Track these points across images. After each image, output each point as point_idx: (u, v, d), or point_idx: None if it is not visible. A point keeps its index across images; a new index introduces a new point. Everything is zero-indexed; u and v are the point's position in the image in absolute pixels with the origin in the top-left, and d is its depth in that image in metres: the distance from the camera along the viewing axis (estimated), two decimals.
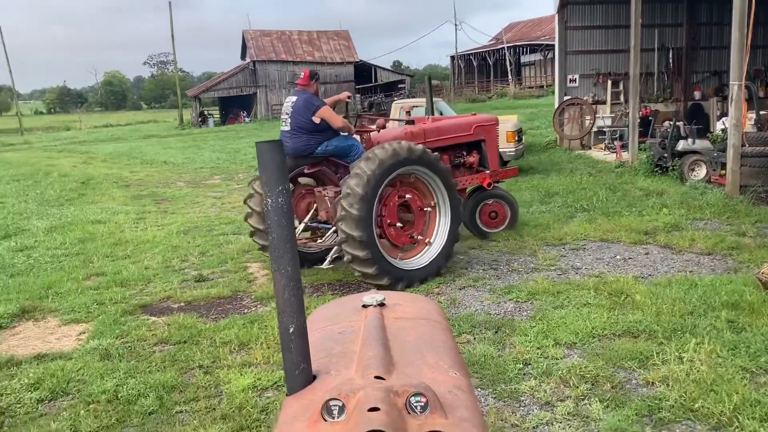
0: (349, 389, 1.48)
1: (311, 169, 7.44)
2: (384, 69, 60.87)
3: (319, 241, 7.47)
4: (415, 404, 1.44)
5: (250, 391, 4.59)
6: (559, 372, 4.52)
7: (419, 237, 6.92)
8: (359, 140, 7.48)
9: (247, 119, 51.09)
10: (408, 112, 8.36)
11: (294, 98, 7.13)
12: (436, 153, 7.07)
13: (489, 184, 8.32)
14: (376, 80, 57.59)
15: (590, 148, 16.51)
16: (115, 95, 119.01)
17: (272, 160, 1.62)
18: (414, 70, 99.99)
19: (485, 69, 58.58)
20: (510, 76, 51.82)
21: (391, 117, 14.25)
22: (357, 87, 54.45)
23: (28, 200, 14.92)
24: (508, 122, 14.31)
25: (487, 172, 8.37)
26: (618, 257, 7.26)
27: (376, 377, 1.54)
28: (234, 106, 53.55)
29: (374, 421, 1.28)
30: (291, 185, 7.32)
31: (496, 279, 6.76)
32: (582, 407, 4.07)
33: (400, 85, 56.28)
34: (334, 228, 6.86)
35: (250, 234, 7.72)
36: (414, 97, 39.55)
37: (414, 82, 62.38)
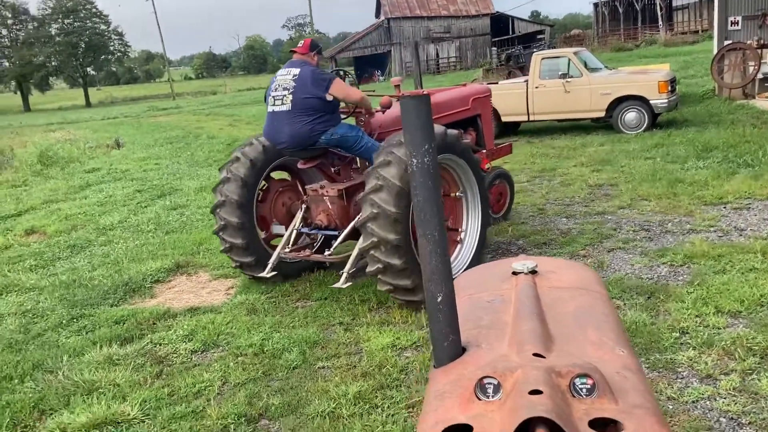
0: (506, 367, 1.34)
1: (308, 164, 5.84)
2: (521, 20, 58.83)
3: (326, 252, 5.74)
4: (580, 386, 1.28)
5: (389, 350, 4.59)
6: (722, 343, 4.13)
7: (452, 227, 5.70)
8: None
9: (381, 78, 51.39)
10: (397, 86, 6.54)
11: (295, 70, 5.46)
12: (467, 141, 6.16)
13: (488, 166, 7.19)
14: (513, 32, 55.75)
15: (754, 98, 15.01)
16: (257, 59, 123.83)
17: (417, 117, 1.49)
18: (554, 19, 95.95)
19: (632, 15, 54.92)
20: (660, 22, 48.25)
21: (530, 69, 13.68)
22: (493, 40, 53.07)
23: (180, 161, 15.88)
24: (659, 71, 13.31)
25: (484, 151, 7.28)
26: None
27: (535, 354, 1.39)
28: (369, 65, 53.99)
29: (537, 407, 1.13)
30: (264, 182, 6.10)
31: (648, 241, 6.31)
32: (750, 382, 3.70)
33: (539, 36, 54.13)
34: (342, 234, 5.63)
35: (225, 250, 6.03)
36: (554, 48, 37.91)
37: (554, 32, 59.78)
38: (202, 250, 7.58)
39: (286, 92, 5.40)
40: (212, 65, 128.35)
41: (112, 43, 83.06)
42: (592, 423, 1.20)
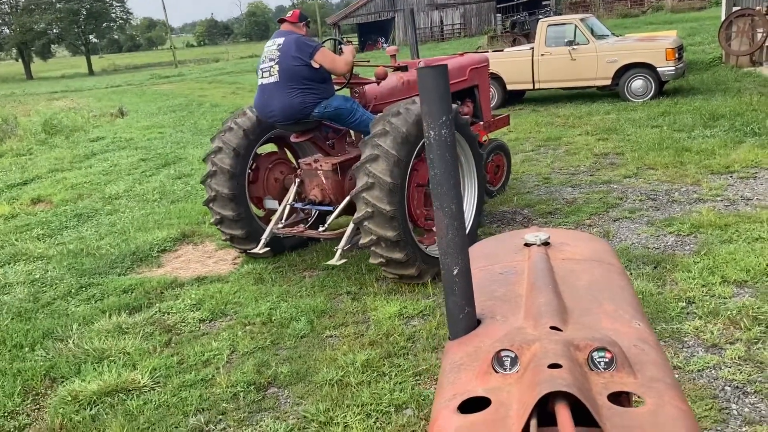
0: (523, 340, 1.35)
1: (301, 138, 5.63)
2: None
3: (321, 228, 5.59)
4: (598, 360, 1.28)
5: (396, 319, 4.62)
6: (728, 312, 4.15)
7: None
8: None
9: (385, 45, 50.82)
10: (393, 56, 6.33)
11: (280, 39, 5.32)
12: (466, 117, 6.04)
13: (485, 138, 7.13)
14: None
15: (762, 65, 14.85)
16: (259, 26, 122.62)
17: (435, 88, 1.47)
18: None
19: None
20: None
21: (536, 37, 13.52)
22: (498, 6, 52.34)
23: (184, 130, 15.83)
24: (667, 38, 13.15)
25: (482, 123, 7.17)
26: None
27: (552, 327, 1.39)
28: (372, 32, 53.39)
29: (557, 380, 1.14)
30: (252, 162, 5.96)
31: (654, 210, 6.30)
32: (755, 351, 3.72)
33: (544, 2, 53.22)
34: (337, 209, 5.48)
35: (216, 222, 5.95)
36: (560, 14, 37.42)
37: None
38: (208, 220, 7.57)
39: (272, 63, 5.25)
40: (214, 32, 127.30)
41: (113, 11, 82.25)
42: (611, 397, 1.21)
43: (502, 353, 1.33)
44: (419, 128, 4.78)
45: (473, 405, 1.26)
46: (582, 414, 1.13)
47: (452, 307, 1.56)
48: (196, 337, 4.74)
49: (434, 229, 5.69)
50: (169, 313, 5.19)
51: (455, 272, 1.54)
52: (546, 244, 1.94)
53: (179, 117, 18.61)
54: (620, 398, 1.28)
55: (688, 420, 1.14)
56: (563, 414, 1.07)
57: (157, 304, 5.37)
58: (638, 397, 1.23)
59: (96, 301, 5.56)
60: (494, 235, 2.32)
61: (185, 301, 5.35)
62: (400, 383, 3.82)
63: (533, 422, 1.10)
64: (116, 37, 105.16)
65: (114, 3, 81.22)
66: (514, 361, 1.32)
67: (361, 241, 5.02)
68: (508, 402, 1.21)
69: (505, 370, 1.32)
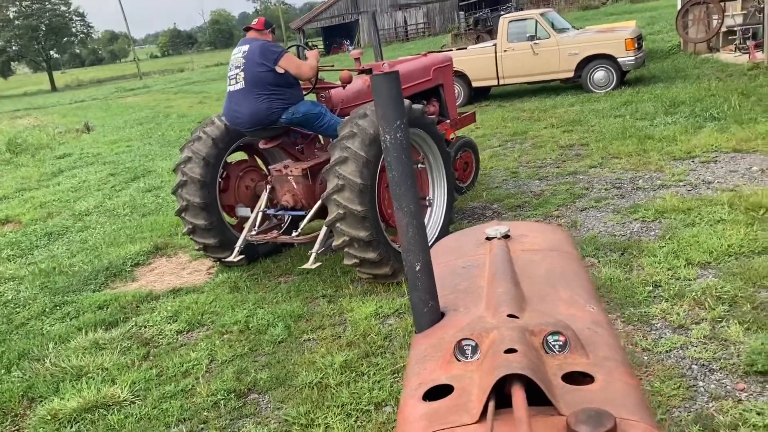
0: (482, 328, 1.42)
1: (269, 144, 5.73)
2: None
3: (294, 233, 5.60)
4: (553, 343, 1.37)
5: (372, 319, 4.69)
6: (693, 294, 4.28)
7: (420, 196, 5.42)
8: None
9: (350, 47, 50.88)
10: (357, 60, 6.24)
11: (245, 47, 5.36)
12: (432, 116, 6.15)
13: (452, 136, 7.21)
14: None
15: (719, 51, 15.18)
16: (223, 33, 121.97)
17: (389, 93, 1.54)
18: None
19: None
20: None
21: (498, 33, 13.68)
22: (460, 4, 52.69)
23: (152, 142, 15.73)
24: (626, 29, 13.38)
25: (448, 121, 7.25)
26: (755, 168, 6.70)
27: (509, 315, 1.47)
28: (337, 35, 53.45)
29: (512, 364, 1.21)
30: (222, 170, 5.94)
31: (619, 198, 6.44)
32: (719, 330, 3.85)
33: None
34: (309, 213, 5.49)
35: (188, 232, 5.93)
36: (522, 9, 37.78)
37: None
38: (180, 231, 7.56)
39: (238, 70, 5.31)
40: (178, 42, 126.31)
41: (74, 25, 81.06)
42: (566, 377, 1.29)
43: (463, 342, 1.41)
44: None
45: (438, 393, 1.33)
46: (540, 394, 1.20)
47: (416, 301, 1.64)
48: (174, 349, 4.76)
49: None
50: (145, 327, 5.19)
51: (417, 268, 1.61)
52: (506, 236, 2.03)
53: (146, 129, 18.48)
54: (580, 379, 1.35)
55: (635, 393, 1.23)
56: (517, 395, 1.15)
57: (133, 318, 5.37)
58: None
59: (71, 319, 5.55)
60: (457, 231, 2.39)
61: (161, 314, 5.36)
62: (378, 381, 3.89)
63: (491, 405, 1.17)
64: (78, 51, 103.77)
65: (74, 17, 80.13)
66: (475, 349, 1.39)
67: (334, 243, 5.05)
68: (469, 388, 1.29)
69: (466, 358, 1.39)
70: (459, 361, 1.39)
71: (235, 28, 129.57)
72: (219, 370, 4.34)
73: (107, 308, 5.63)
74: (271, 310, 5.10)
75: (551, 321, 1.41)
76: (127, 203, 9.50)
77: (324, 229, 5.27)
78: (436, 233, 5.67)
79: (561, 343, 1.36)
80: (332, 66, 6.56)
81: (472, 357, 1.39)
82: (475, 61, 13.75)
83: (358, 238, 4.89)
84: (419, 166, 5.71)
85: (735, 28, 14.76)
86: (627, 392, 1.22)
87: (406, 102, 5.25)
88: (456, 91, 9.56)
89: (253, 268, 6.08)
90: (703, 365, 3.57)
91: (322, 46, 55.18)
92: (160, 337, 4.98)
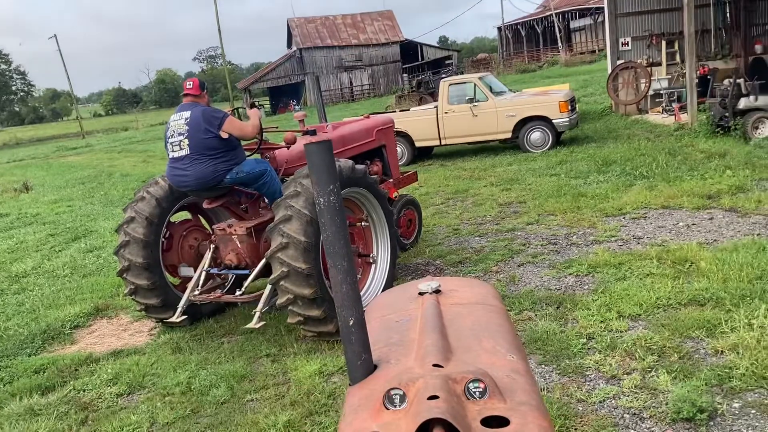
0: (409, 378, 1.52)
1: (214, 203, 5.85)
2: (430, 46, 60.47)
3: (238, 292, 5.61)
4: (473, 390, 1.47)
5: (316, 377, 4.71)
6: (624, 345, 4.47)
7: (363, 252, 5.89)
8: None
9: (297, 107, 51.52)
10: (302, 121, 6.46)
11: (186, 113, 5.45)
12: (375, 176, 6.46)
13: (395, 195, 7.46)
14: (422, 58, 57.21)
15: (647, 113, 16.05)
16: (168, 92, 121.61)
17: (322, 160, 1.67)
18: (461, 44, 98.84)
19: (534, 38, 57.39)
20: (560, 43, 50.63)
21: (439, 96, 14.17)
22: (404, 66, 54.29)
23: (94, 202, 15.50)
24: (560, 92, 14.06)
25: (391, 180, 7.52)
26: (681, 224, 7.08)
27: (435, 365, 1.57)
28: (283, 95, 54.15)
29: (434, 409, 1.31)
30: (165, 229, 5.95)
31: (555, 254, 6.70)
32: (649, 379, 4.03)
33: (447, 62, 55.71)
34: (253, 272, 5.55)
35: (130, 292, 5.90)
36: (462, 73, 39.10)
37: (462, 57, 61.70)
38: (122, 292, 7.45)
39: (182, 137, 5.41)
40: (122, 101, 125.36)
41: (14, 83, 79.94)
42: (484, 421, 1.39)
43: (392, 392, 1.50)
44: None
45: None
46: None
47: (350, 355, 1.73)
48: (114, 413, 4.67)
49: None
50: (84, 390, 5.08)
51: (351, 323, 1.71)
52: (437, 291, 2.15)
53: (89, 189, 18.21)
54: (501, 424, 1.46)
55: None
56: None
57: (71, 382, 5.25)
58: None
59: (5, 385, 5.38)
60: (393, 288, 2.51)
61: (101, 377, 5.26)
62: None
63: None
64: (17, 109, 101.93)
65: (14, 75, 79.04)
66: (403, 398, 1.49)
67: (279, 301, 5.06)
68: None
69: (395, 406, 1.49)
70: (388, 409, 1.49)
71: (181, 87, 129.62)
72: None
73: (44, 372, 5.49)
74: (213, 370, 5.07)
75: (472, 369, 1.53)
76: (67, 264, 9.32)
77: (268, 287, 5.30)
78: (380, 289, 5.77)
79: (481, 389, 1.47)
80: (276, 128, 6.73)
81: (400, 405, 1.48)
82: (417, 122, 14.17)
83: (302, 295, 4.93)
84: (363, 224, 5.86)
85: (661, 92, 15.67)
86: None
87: (349, 163, 5.45)
88: (399, 150, 9.85)
89: (196, 329, 6.03)
90: (635, 414, 3.72)
91: (268, 106, 55.76)
92: (100, 400, 4.88)
